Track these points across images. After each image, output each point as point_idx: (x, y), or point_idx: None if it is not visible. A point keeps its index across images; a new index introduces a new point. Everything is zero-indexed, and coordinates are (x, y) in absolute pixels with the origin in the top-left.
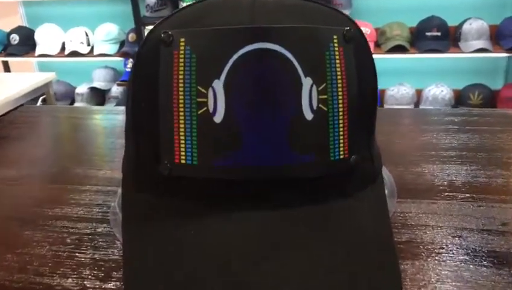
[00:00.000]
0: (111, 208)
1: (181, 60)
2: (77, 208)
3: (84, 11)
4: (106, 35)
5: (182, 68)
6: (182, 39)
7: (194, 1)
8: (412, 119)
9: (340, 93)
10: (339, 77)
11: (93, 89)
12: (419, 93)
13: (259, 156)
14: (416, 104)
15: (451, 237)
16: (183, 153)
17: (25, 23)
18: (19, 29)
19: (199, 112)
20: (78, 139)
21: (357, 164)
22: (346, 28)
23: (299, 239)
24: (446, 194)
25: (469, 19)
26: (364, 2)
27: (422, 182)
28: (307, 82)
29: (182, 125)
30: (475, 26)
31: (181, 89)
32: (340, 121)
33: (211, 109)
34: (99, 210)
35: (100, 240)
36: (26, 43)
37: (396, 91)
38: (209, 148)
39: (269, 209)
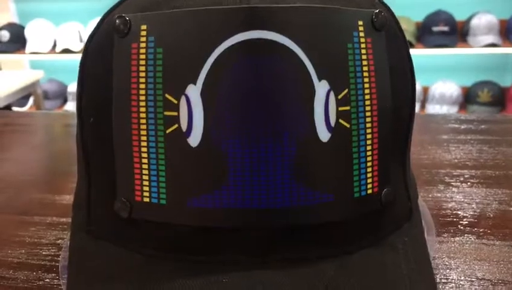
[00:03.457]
0: (62, 249)
1: (142, 57)
2: (20, 249)
3: (77, 6)
4: None
5: (143, 68)
6: (144, 27)
7: None
8: (440, 125)
9: (367, 102)
10: (365, 80)
11: None
12: (425, 90)
13: (253, 194)
14: (423, 102)
15: None
16: (146, 188)
17: (16, 20)
18: (9, 26)
19: (167, 131)
20: (42, 153)
21: (390, 199)
22: (375, 11)
23: None
24: (501, 230)
25: (478, 13)
26: None
27: (468, 214)
28: (321, 87)
29: (144, 149)
30: (484, 21)
31: (142, 97)
32: (368, 142)
33: (183, 126)
34: (48, 252)
35: None
36: (17, 40)
37: None
38: (182, 183)
39: (267, 271)
